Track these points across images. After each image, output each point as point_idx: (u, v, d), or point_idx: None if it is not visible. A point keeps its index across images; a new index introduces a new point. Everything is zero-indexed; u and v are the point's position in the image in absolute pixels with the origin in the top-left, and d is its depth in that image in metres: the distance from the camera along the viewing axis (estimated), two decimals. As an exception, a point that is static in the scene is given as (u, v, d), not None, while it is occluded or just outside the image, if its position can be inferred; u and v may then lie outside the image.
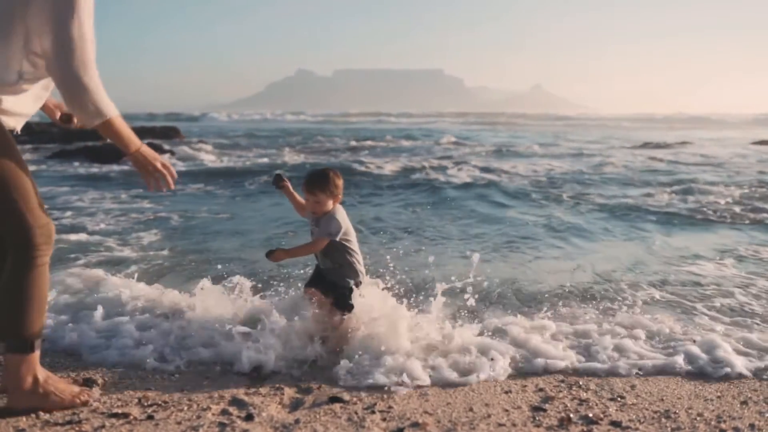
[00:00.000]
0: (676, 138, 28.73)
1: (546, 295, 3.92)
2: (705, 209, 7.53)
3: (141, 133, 24.30)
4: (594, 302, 3.77)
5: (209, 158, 15.17)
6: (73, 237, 5.47)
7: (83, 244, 5.24)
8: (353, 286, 3.01)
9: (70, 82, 2.01)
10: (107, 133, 2.13)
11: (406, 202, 8.20)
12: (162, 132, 24.96)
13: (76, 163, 13.00)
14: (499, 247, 5.46)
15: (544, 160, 14.03)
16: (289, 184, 3.09)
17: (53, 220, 2.26)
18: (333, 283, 3.01)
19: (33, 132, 23.20)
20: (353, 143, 20.70)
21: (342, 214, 3.02)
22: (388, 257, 4.42)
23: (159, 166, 2.23)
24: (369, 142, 22.31)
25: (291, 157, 15.14)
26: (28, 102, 2.19)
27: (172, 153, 15.35)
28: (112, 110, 2.10)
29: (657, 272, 4.58)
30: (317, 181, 2.95)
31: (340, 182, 3.00)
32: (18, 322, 2.16)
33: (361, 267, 3.05)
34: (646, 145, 21.86)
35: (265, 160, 14.03)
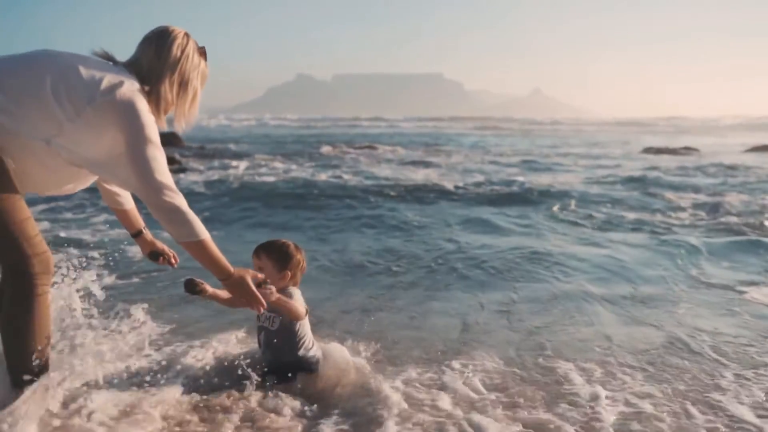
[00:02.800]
0: (680, 143, 28.77)
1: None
2: (739, 224, 7.00)
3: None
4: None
5: (203, 167, 15.12)
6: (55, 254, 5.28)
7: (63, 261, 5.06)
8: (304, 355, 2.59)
9: (164, 213, 2.12)
10: (199, 253, 2.20)
11: (420, 229, 6.89)
12: (163, 139, 24.88)
13: None
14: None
15: (551, 173, 13.42)
16: (207, 287, 2.44)
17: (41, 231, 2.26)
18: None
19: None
20: (353, 152, 20.02)
21: (299, 299, 2.57)
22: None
23: (249, 296, 2.31)
24: (369, 150, 22.18)
25: (275, 167, 15.03)
26: (59, 169, 2.20)
27: (180, 163, 15.06)
28: (203, 233, 2.18)
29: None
30: (268, 246, 2.59)
31: (299, 257, 2.61)
32: (21, 355, 2.14)
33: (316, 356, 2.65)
34: (648, 150, 21.82)
35: (282, 172, 13.83)
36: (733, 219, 7.36)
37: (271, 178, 11.49)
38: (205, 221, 2.29)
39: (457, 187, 9.68)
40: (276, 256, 2.56)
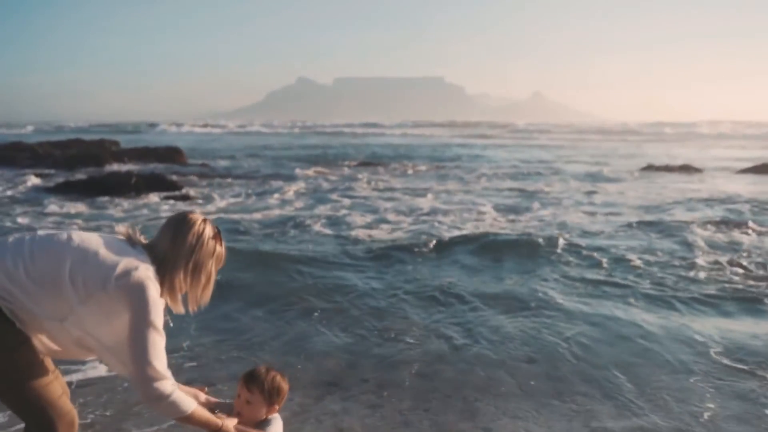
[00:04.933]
0: (679, 153, 29.04)
1: None
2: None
3: (145, 154, 24.38)
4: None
5: (202, 192, 15.08)
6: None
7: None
8: None
9: (152, 402, 2.24)
10: (189, 421, 2.35)
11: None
12: (166, 154, 24.97)
13: (67, 206, 12.82)
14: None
15: (554, 208, 12.63)
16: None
17: None
18: None
19: (37, 155, 23.29)
20: (361, 176, 18.85)
21: (280, 429, 2.60)
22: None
23: None
24: (367, 170, 22.01)
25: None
26: (68, 345, 2.32)
27: (188, 197, 14.50)
28: (190, 405, 2.31)
29: None
30: (259, 380, 2.55)
31: (285, 389, 2.62)
32: None
33: None
34: (648, 168, 22.00)
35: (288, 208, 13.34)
36: (748, 282, 6.70)
37: (258, 216, 11.19)
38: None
39: (458, 235, 8.96)
40: (268, 392, 2.56)
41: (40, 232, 2.36)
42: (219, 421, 2.41)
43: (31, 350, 2.25)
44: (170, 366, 4.15)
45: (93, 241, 2.31)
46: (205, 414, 2.38)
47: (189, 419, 2.33)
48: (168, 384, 2.25)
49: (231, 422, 2.46)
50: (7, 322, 2.20)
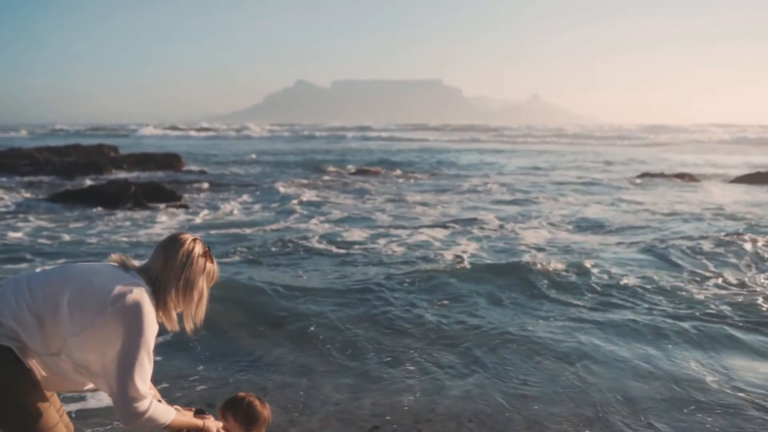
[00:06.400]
0: (676, 160, 29.28)
1: None
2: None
3: (144, 161, 24.44)
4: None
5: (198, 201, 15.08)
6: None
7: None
8: None
9: (130, 420, 2.30)
10: (171, 427, 2.44)
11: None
12: (164, 160, 25.04)
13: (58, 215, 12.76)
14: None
15: (553, 225, 12.21)
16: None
17: None
18: None
19: (37, 162, 23.33)
20: (359, 185, 18.98)
21: None
22: None
23: None
24: (363, 183, 21.95)
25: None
26: (69, 376, 2.40)
27: (186, 207, 14.51)
28: (168, 415, 2.39)
29: None
30: (234, 407, 2.59)
31: (266, 414, 2.63)
32: None
33: None
34: (644, 175, 22.17)
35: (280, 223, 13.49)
36: (748, 306, 6.51)
37: (254, 230, 11.17)
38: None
39: (453, 257, 8.70)
40: (243, 418, 2.59)
41: (37, 270, 2.46)
42: (200, 422, 2.52)
43: (40, 393, 2.32)
44: (184, 388, 4.26)
45: (87, 270, 2.41)
46: (185, 418, 2.49)
47: (171, 427, 2.43)
48: (146, 402, 2.31)
49: (214, 424, 2.55)
50: (18, 364, 2.27)
